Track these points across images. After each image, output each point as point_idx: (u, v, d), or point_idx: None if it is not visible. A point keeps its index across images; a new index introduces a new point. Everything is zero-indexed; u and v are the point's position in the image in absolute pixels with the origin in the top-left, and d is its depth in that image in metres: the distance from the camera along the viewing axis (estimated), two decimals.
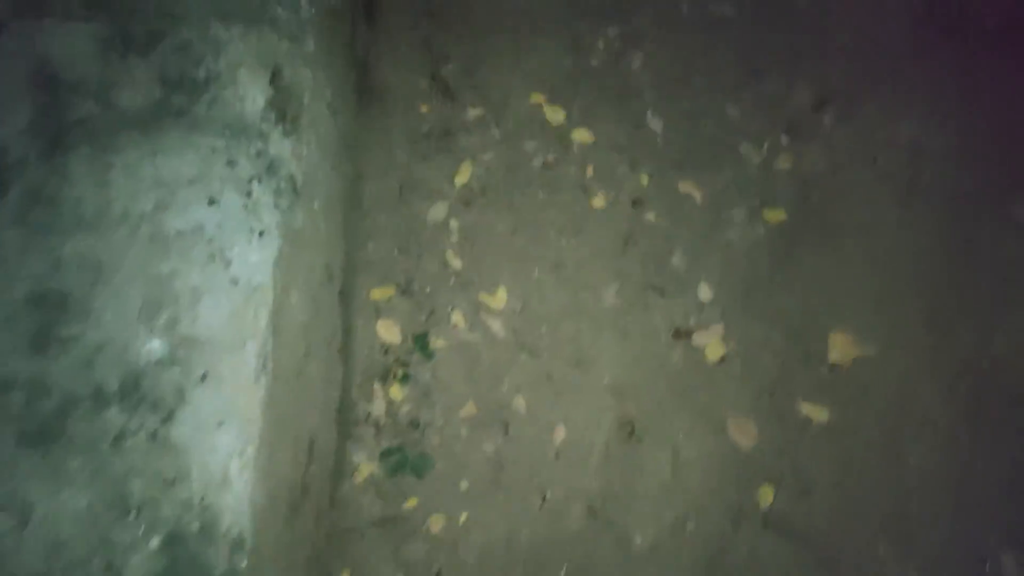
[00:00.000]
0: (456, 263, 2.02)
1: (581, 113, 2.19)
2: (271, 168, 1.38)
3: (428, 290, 1.99)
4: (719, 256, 2.01)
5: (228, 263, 1.26)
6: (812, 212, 2.02)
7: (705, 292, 1.97)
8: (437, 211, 2.07)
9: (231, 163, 1.33)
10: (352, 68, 2.04)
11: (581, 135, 2.16)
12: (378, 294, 1.97)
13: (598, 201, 2.08)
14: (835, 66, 2.16)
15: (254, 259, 1.28)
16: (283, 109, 1.50)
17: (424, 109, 2.18)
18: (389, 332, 1.93)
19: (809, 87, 2.14)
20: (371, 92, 2.18)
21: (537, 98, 2.20)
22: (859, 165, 2.03)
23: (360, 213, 2.03)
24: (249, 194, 1.32)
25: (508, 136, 2.16)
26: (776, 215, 2.03)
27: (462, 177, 2.11)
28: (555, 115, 2.18)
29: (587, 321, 1.95)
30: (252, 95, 1.44)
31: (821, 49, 2.18)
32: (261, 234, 1.30)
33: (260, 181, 1.35)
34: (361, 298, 1.95)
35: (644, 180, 2.10)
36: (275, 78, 1.51)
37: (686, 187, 2.09)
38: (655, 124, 2.16)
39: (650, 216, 2.06)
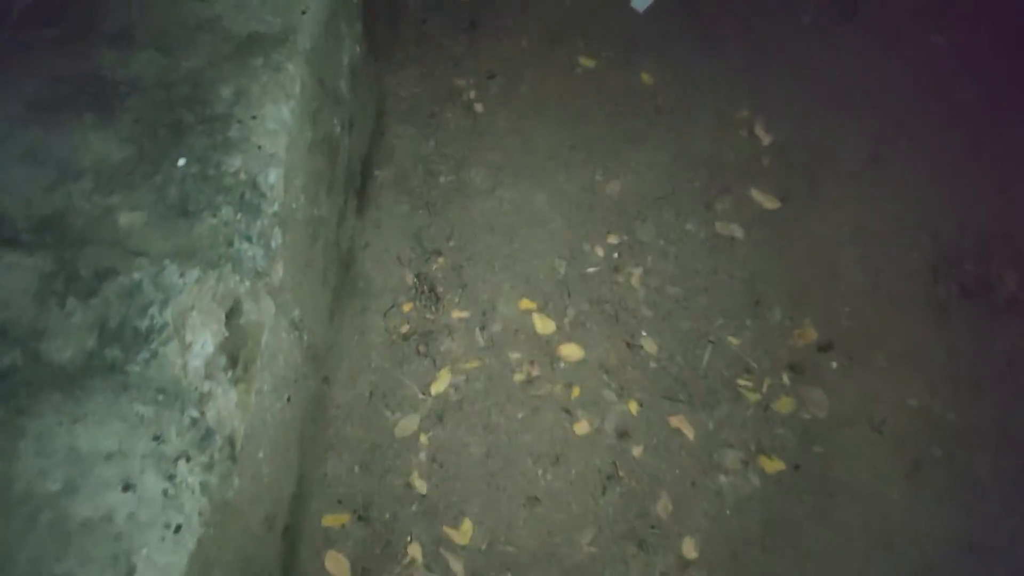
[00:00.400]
0: (421, 486, 1.85)
1: (572, 326, 2.06)
2: (206, 438, 1.24)
3: (387, 516, 1.82)
4: (708, 507, 1.83)
5: (132, 569, 1.09)
6: (812, 468, 1.85)
7: (689, 549, 1.79)
8: (408, 424, 1.92)
9: (158, 438, 1.19)
10: (332, 266, 1.94)
11: (570, 350, 2.02)
12: (331, 520, 1.80)
13: (581, 427, 1.93)
14: (845, 307, 2.04)
15: (164, 562, 1.12)
16: (235, 354, 1.37)
17: (406, 307, 2.06)
18: (337, 567, 1.75)
19: (816, 325, 2.02)
20: (352, 286, 2.07)
21: (527, 305, 2.08)
22: (864, 423, 1.87)
23: (323, 423, 1.88)
24: (172, 477, 1.17)
25: (492, 344, 2.03)
26: (773, 465, 1.87)
27: (439, 386, 1.97)
28: (544, 325, 2.06)
29: (557, 571, 1.77)
30: (201, 342, 1.31)
31: (832, 287, 2.07)
32: (178, 529, 1.15)
33: (188, 459, 1.20)
34: (311, 525, 1.78)
35: (633, 408, 1.95)
36: (231, 317, 1.39)
37: (677, 421, 1.93)
38: (649, 346, 2.03)
39: (636, 451, 1.90)
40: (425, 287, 2.09)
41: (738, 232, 2.17)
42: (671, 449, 1.90)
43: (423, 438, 1.90)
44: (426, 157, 2.29)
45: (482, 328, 2.05)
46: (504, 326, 2.05)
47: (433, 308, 2.06)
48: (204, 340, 1.32)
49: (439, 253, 2.14)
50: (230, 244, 1.40)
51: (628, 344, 2.02)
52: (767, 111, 2.34)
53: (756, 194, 2.22)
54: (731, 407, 1.95)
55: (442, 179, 2.25)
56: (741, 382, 1.97)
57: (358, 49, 2.03)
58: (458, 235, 2.17)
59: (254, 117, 1.52)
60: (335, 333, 1.97)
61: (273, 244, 1.48)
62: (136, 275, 1.32)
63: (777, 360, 1.99)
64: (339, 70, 1.88)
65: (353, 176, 2.07)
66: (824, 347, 1.99)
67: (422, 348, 2.02)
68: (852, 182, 2.23)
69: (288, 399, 1.59)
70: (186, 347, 1.29)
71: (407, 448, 1.89)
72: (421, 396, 1.95)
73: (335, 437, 1.89)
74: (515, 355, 2.01)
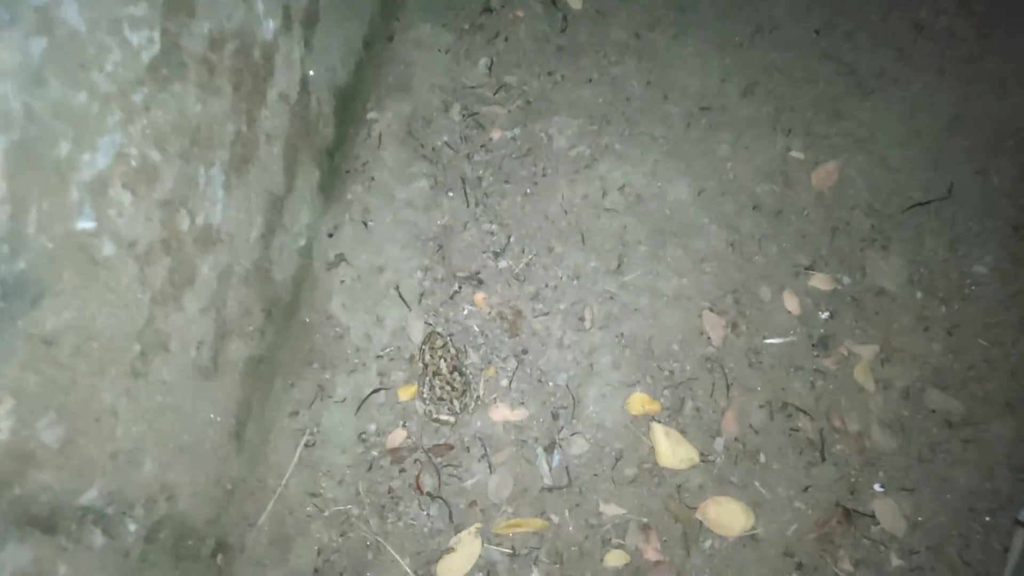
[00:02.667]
0: None
1: (731, 457, 1.05)
2: None
3: None
4: None
5: None
6: None
7: None
8: None
9: None
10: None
11: (725, 513, 1.02)
12: None
13: None
14: None
15: None
16: None
17: (404, 394, 1.04)
18: None
19: None
20: (297, 351, 1.04)
21: (643, 404, 1.08)
22: None
23: None
24: None
25: (569, 482, 1.05)
26: None
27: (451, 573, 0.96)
28: (677, 453, 1.08)
29: None
30: None
31: None
32: None
33: None
34: None
35: None
36: None
37: None
38: (891, 520, 1.03)
39: None
40: (443, 360, 1.04)
41: (863, 342, 1.06)
42: None
43: None
44: (468, 90, 1.21)
45: (549, 448, 1.01)
46: (596, 446, 1.02)
47: (454, 399, 1.03)
48: None
49: (478, 281, 1.10)
50: None
51: (845, 511, 0.97)
52: None
53: None
54: None
55: (494, 135, 1.18)
56: None
57: None
58: (517, 247, 1.11)
59: None
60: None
61: None
62: None
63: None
64: None
65: (312, 129, 1.00)
66: None
67: (427, 482, 1.00)
68: None
69: None
70: None
71: None
72: None
73: None
74: (613, 512, 0.98)
